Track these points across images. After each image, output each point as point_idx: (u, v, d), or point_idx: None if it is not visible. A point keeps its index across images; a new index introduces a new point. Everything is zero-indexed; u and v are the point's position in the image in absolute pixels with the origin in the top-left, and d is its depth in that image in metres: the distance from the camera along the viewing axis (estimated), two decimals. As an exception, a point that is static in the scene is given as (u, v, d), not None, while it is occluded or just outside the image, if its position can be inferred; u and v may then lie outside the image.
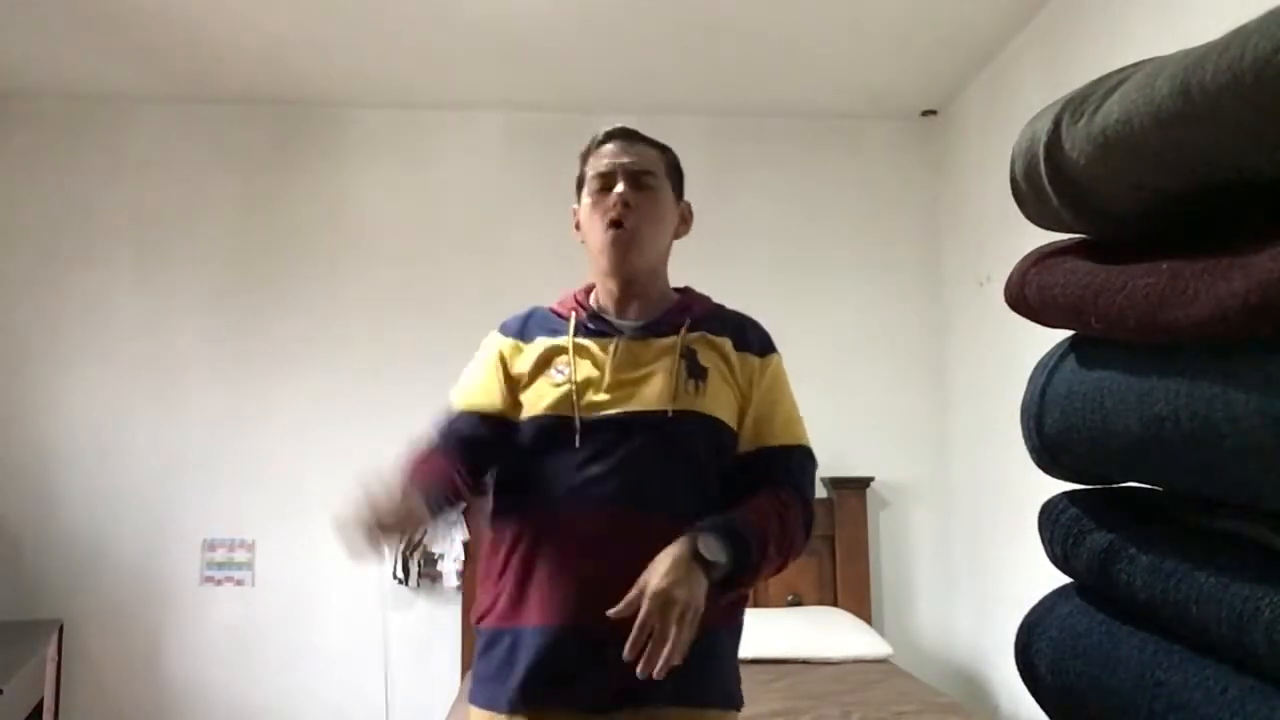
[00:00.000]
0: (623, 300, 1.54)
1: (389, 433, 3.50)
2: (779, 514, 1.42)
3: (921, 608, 3.68)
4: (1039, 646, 1.00)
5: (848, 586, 3.55)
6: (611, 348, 1.49)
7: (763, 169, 3.84)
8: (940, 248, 3.81)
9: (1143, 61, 0.83)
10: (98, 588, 3.44)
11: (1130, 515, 0.94)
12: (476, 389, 1.53)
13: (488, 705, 1.43)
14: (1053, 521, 1.02)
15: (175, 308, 3.62)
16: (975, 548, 3.49)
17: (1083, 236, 0.98)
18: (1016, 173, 0.96)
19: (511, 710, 1.39)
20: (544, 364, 1.49)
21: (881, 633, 3.45)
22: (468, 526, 3.45)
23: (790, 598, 3.49)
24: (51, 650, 3.25)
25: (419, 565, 3.51)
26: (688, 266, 1.68)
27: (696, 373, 1.47)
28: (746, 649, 1.51)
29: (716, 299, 1.62)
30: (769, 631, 3.08)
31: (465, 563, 3.47)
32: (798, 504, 1.46)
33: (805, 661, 3.07)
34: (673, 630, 1.20)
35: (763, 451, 1.49)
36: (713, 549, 1.29)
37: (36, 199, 3.61)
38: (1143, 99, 0.76)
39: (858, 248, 3.83)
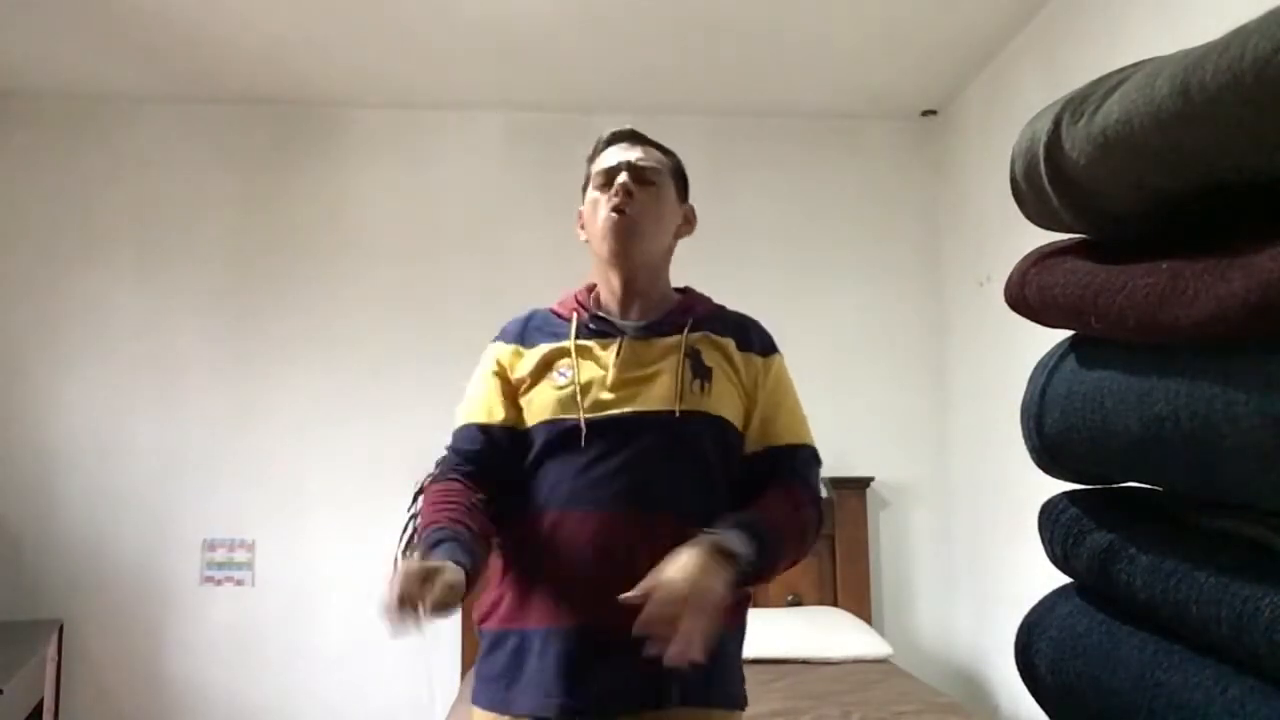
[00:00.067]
0: (625, 299, 1.54)
1: (389, 433, 3.58)
2: (793, 511, 1.43)
3: (921, 608, 3.68)
4: (1039, 646, 1.00)
5: (848, 586, 3.55)
6: (615, 348, 1.48)
7: (763, 169, 3.84)
8: (940, 248, 3.81)
9: (1143, 61, 0.83)
10: (98, 588, 3.44)
11: (1130, 515, 0.94)
12: (479, 404, 1.52)
13: (491, 706, 1.42)
14: (1053, 521, 1.02)
15: (175, 308, 3.62)
16: (975, 548, 3.49)
17: (1083, 236, 0.98)
18: (1016, 173, 0.96)
19: (517, 712, 1.38)
20: (546, 367, 1.49)
21: (881, 633, 3.45)
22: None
23: (790, 598, 3.49)
24: (51, 650, 3.25)
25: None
26: (689, 267, 1.68)
27: (702, 372, 1.47)
28: (747, 649, 1.51)
29: (717, 299, 1.62)
30: (769, 631, 3.08)
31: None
32: (809, 502, 1.47)
33: (805, 661, 3.07)
34: (696, 617, 1.17)
35: (770, 451, 1.49)
36: (737, 542, 1.28)
37: (36, 199, 3.61)
38: (1143, 99, 0.76)
39: (858, 248, 3.83)
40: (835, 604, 3.52)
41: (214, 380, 3.59)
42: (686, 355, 1.48)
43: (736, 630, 1.48)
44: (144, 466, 3.52)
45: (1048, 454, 1.01)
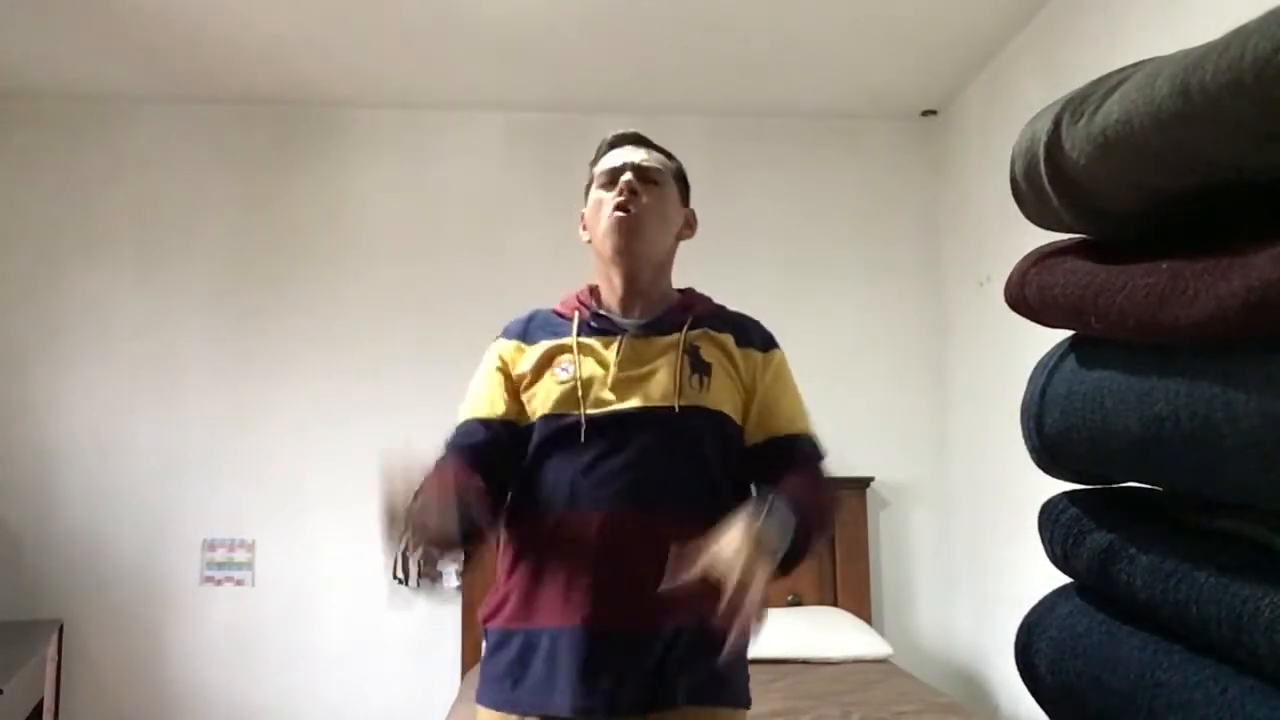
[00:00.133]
0: (626, 298, 1.54)
1: (389, 433, 3.55)
2: (818, 490, 1.43)
3: (921, 608, 3.68)
4: (1039, 646, 1.00)
5: (848, 586, 3.55)
6: (615, 345, 1.49)
7: (763, 169, 3.84)
8: (940, 248, 3.81)
9: (1143, 61, 0.83)
10: (98, 588, 3.44)
11: (1130, 515, 0.94)
12: (480, 399, 1.52)
13: (497, 705, 1.42)
14: (1053, 521, 1.02)
15: (175, 308, 3.62)
16: (975, 548, 3.49)
17: (1083, 236, 0.98)
18: (1016, 173, 0.96)
19: (523, 712, 1.38)
20: (547, 363, 1.50)
21: (881, 633, 3.45)
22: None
23: (790, 598, 3.49)
24: (51, 650, 3.25)
25: (419, 565, 3.51)
26: (689, 267, 1.68)
27: (700, 368, 1.47)
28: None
29: (717, 299, 1.63)
30: (769, 631, 3.07)
31: (465, 562, 3.46)
32: (823, 485, 1.47)
33: (805, 661, 3.07)
34: (750, 593, 1.16)
35: (772, 441, 1.49)
36: (782, 514, 1.26)
37: (36, 199, 3.61)
38: (1143, 99, 0.76)
39: (858, 248, 3.83)
40: (835, 604, 3.52)
41: (214, 380, 3.59)
42: (685, 351, 1.48)
43: None
44: (144, 466, 3.52)
45: (1048, 454, 1.01)
